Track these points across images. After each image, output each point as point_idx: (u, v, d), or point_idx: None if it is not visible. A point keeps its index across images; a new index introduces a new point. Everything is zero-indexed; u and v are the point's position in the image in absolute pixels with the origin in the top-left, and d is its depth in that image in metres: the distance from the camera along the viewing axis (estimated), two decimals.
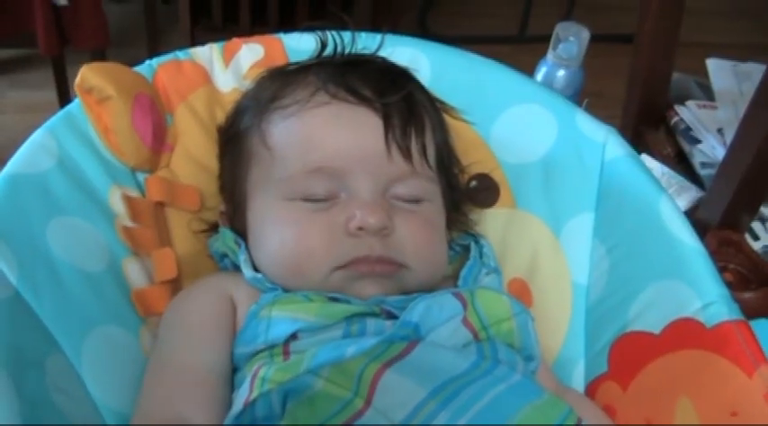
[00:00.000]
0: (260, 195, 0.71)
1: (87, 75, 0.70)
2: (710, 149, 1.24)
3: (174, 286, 0.72)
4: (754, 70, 1.37)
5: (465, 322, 0.66)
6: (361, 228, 0.66)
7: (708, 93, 1.36)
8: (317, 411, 0.59)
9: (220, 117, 0.80)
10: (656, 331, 0.73)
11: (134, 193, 0.74)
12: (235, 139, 0.74)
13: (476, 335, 0.67)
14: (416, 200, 0.71)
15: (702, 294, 0.71)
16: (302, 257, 0.67)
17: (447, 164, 0.76)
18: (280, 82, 0.73)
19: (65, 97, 2.04)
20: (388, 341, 0.62)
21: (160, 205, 0.74)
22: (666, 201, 0.76)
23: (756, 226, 1.15)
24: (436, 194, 0.73)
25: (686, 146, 1.27)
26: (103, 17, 1.88)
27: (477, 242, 0.78)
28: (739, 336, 0.69)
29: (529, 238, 0.81)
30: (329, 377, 0.59)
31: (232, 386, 0.65)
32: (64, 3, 1.76)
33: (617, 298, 0.76)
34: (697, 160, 1.24)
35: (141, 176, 0.75)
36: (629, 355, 0.75)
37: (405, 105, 0.71)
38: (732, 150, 1.10)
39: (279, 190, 0.69)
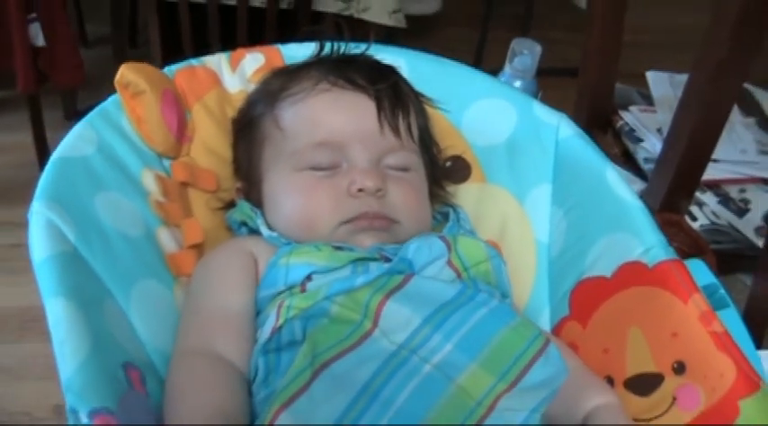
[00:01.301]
0: (274, 169, 0.83)
1: (125, 73, 0.83)
2: (652, 146, 1.38)
3: (200, 251, 0.83)
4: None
5: (449, 263, 0.79)
6: (360, 190, 0.79)
7: (648, 100, 1.51)
8: (333, 332, 0.71)
9: (230, 113, 0.92)
10: (608, 274, 0.86)
11: (154, 174, 0.85)
12: (249, 126, 0.87)
13: (459, 275, 0.79)
14: (404, 169, 0.84)
15: (644, 241, 0.84)
16: (313, 215, 0.80)
17: (427, 143, 0.90)
18: (286, 76, 0.86)
19: (40, 138, 2.07)
20: (389, 274, 0.74)
21: (184, 185, 0.86)
22: (611, 169, 0.90)
23: (694, 209, 1.30)
24: (420, 165, 0.86)
25: (630, 146, 1.41)
26: (79, 56, 1.95)
27: (454, 210, 0.91)
28: (676, 272, 0.82)
29: (498, 207, 0.94)
30: (343, 303, 0.71)
31: (256, 326, 0.77)
32: (42, 43, 1.84)
33: (574, 251, 0.89)
34: (640, 156, 1.38)
35: (166, 162, 0.87)
36: (586, 298, 0.88)
37: (392, 92, 0.85)
38: (667, 145, 1.25)
39: (290, 162, 0.82)
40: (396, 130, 0.84)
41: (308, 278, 0.75)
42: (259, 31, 2.00)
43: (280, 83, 0.86)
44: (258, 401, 0.71)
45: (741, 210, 1.31)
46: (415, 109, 0.87)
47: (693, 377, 0.78)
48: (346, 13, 2.07)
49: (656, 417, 0.79)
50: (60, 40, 1.86)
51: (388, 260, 0.78)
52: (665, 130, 1.41)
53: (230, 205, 0.89)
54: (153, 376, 0.71)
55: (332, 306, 0.71)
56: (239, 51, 0.95)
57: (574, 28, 1.42)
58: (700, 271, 0.84)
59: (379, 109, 0.83)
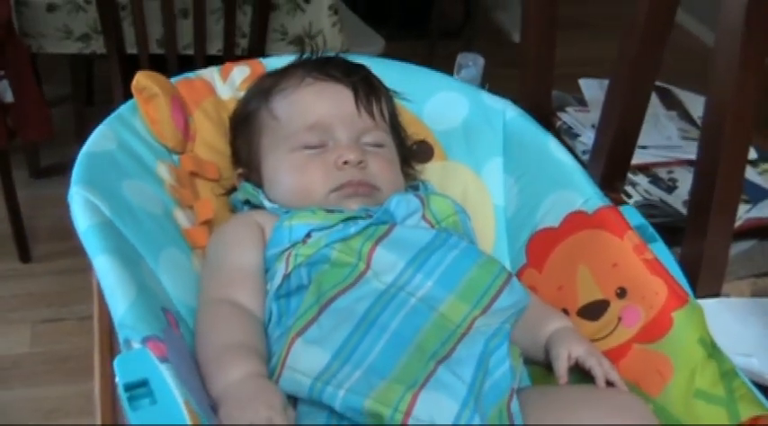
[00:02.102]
0: (272, 152, 0.98)
1: (140, 79, 0.97)
2: (588, 140, 1.54)
3: (209, 228, 0.96)
4: None
5: (424, 217, 0.94)
6: (346, 162, 0.94)
7: (581, 103, 1.69)
8: (334, 274, 0.84)
9: (225, 116, 1.06)
10: (556, 225, 1.01)
11: (168, 166, 0.99)
12: (247, 120, 1.01)
13: (432, 227, 0.94)
14: (379, 145, 0.99)
15: (583, 194, 0.99)
16: (308, 185, 0.94)
17: (396, 126, 1.05)
18: (275, 77, 1.02)
19: (11, 194, 2.03)
20: (375, 224, 0.89)
21: (192, 175, 1.00)
22: (552, 140, 1.06)
23: (629, 188, 1.46)
24: (391, 143, 1.01)
25: (569, 141, 1.57)
26: (47, 111, 1.95)
27: (423, 184, 1.06)
28: (611, 215, 0.97)
29: (459, 179, 1.10)
30: (340, 249, 0.85)
31: (266, 280, 0.90)
32: (10, 100, 1.84)
33: (526, 210, 1.04)
34: (579, 150, 1.54)
35: (175, 156, 1.01)
36: (540, 247, 1.02)
37: (365, 82, 1.01)
38: (598, 136, 1.40)
39: (285, 145, 0.96)
40: (370, 113, 0.99)
41: (308, 235, 0.89)
42: None
43: (270, 82, 1.01)
44: (273, 340, 0.84)
45: (670, 188, 1.47)
46: (384, 97, 1.03)
47: (634, 299, 0.92)
48: None
49: (605, 336, 0.94)
50: (29, 96, 1.87)
51: (370, 217, 0.92)
52: None
53: (230, 191, 1.03)
54: (183, 323, 0.84)
55: (332, 253, 0.85)
56: (227, 65, 1.10)
57: (511, 63, 1.56)
58: (631, 214, 0.99)
59: (356, 96, 0.99)
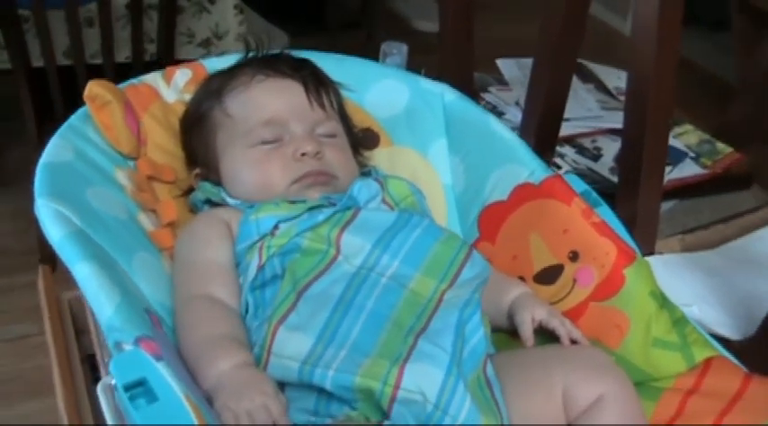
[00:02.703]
0: (230, 149, 0.99)
1: (93, 88, 0.97)
2: (513, 117, 1.60)
3: (173, 229, 0.98)
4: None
5: (384, 201, 0.97)
6: (303, 154, 0.96)
7: (502, 82, 1.74)
8: (306, 262, 0.87)
9: (172, 119, 1.07)
10: (505, 198, 1.05)
11: (127, 172, 0.99)
12: (200, 121, 1.02)
13: (392, 209, 0.97)
14: (332, 135, 1.01)
15: (528, 166, 1.04)
16: (269, 179, 0.96)
17: (344, 116, 1.07)
18: (223, 77, 1.03)
19: None
20: (342, 210, 0.92)
21: (150, 179, 1.01)
22: (492, 117, 1.10)
23: (557, 160, 1.52)
24: (343, 133, 1.04)
25: None
26: None
27: (374, 169, 1.09)
28: (557, 184, 1.02)
29: (407, 162, 1.13)
30: (310, 237, 0.88)
31: (238, 274, 0.92)
32: None
33: (475, 186, 1.08)
34: None
35: (131, 162, 1.01)
36: (491, 220, 1.06)
37: (314, 76, 1.03)
38: (527, 113, 1.45)
39: (243, 141, 0.98)
40: (322, 105, 1.02)
41: (276, 227, 0.91)
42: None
43: (220, 82, 1.03)
44: (252, 331, 0.85)
45: (595, 156, 1.55)
46: (332, 89, 1.06)
47: (586, 261, 0.98)
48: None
49: (563, 298, 0.98)
50: None
51: (334, 205, 0.95)
52: (522, 102, 1.64)
53: (186, 192, 1.04)
54: (164, 323, 0.85)
55: (303, 241, 0.87)
56: (170, 69, 1.10)
57: (415, 50, 1.59)
58: (575, 182, 1.04)
59: (307, 90, 1.01)
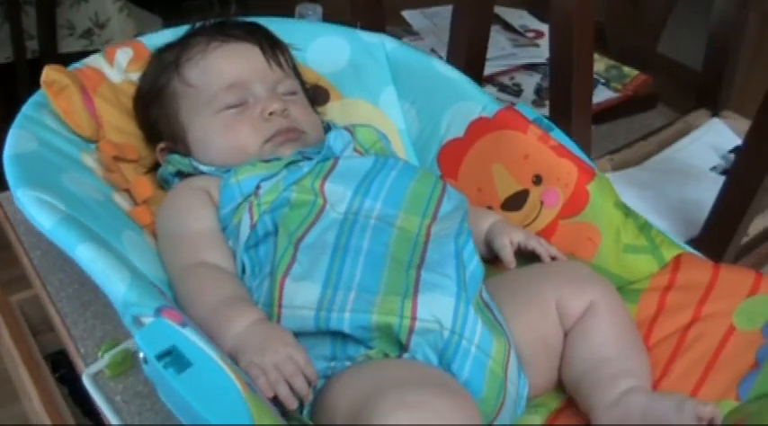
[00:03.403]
0: (196, 119, 0.98)
1: (49, 72, 0.94)
2: None
3: (149, 206, 0.97)
4: (439, 9, 1.81)
5: (355, 149, 0.99)
6: (271, 113, 0.96)
7: (412, 33, 1.77)
8: (296, 215, 0.87)
9: (123, 99, 1.05)
10: (461, 134, 1.08)
11: (94, 155, 0.98)
12: (159, 95, 1.01)
13: (362, 155, 0.99)
14: (293, 93, 1.02)
15: (479, 102, 1.07)
16: (241, 142, 0.96)
17: (298, 74, 1.08)
18: (176, 48, 1.02)
19: None
20: (322, 160, 0.93)
21: (115, 159, 0.99)
22: (435, 60, 1.13)
23: None
24: (300, 90, 1.05)
25: None
26: None
27: (332, 124, 1.10)
28: (511, 114, 1.05)
29: (360, 113, 1.14)
30: (297, 190, 0.89)
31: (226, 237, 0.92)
32: None
33: (429, 128, 1.11)
34: None
35: (92, 145, 0.99)
36: (450, 157, 1.09)
37: (266, 37, 1.03)
38: (451, 58, 1.48)
39: (208, 109, 0.97)
40: (279, 65, 1.02)
41: (258, 187, 0.91)
42: (12, 84, 1.97)
43: (173, 54, 1.01)
44: (253, 290, 0.86)
45: (517, 92, 1.60)
46: (285, 48, 1.06)
47: (549, 182, 1.02)
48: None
49: (532, 221, 1.02)
50: None
51: (309, 159, 0.96)
52: (438, 50, 1.68)
53: (152, 168, 1.03)
54: (165, 295, 0.85)
55: (291, 194, 0.88)
56: (110, 49, 1.08)
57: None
58: (526, 111, 1.07)
59: (263, 51, 1.02)
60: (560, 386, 0.91)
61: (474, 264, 0.87)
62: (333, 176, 0.92)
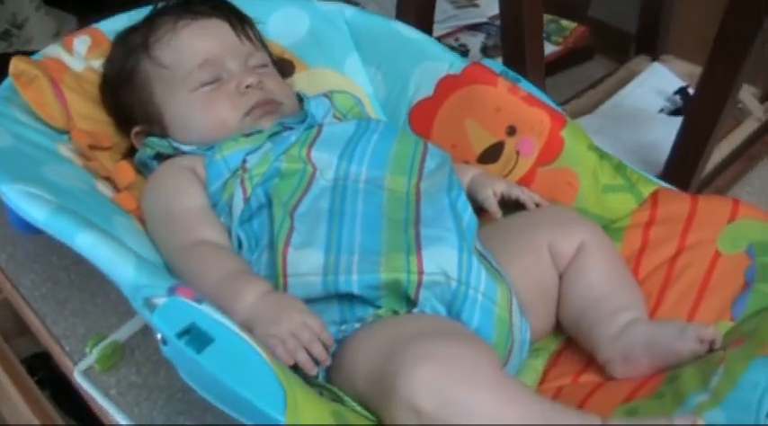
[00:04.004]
0: (172, 99, 0.96)
1: (17, 64, 0.91)
2: None
3: (132, 192, 0.95)
4: None
5: (334, 115, 0.99)
6: (248, 86, 0.95)
7: (355, 3, 1.77)
8: (288, 185, 0.87)
9: (87, 87, 1.02)
10: (431, 93, 1.08)
11: (70, 145, 0.95)
12: (130, 79, 0.99)
13: (340, 121, 0.99)
14: (265, 65, 1.01)
15: (445, 60, 1.07)
16: (221, 118, 0.94)
17: (265, 46, 1.07)
18: (142, 31, 1.00)
19: None
20: (307, 128, 0.93)
21: (91, 148, 0.96)
22: (396, 22, 1.13)
23: None
24: (270, 62, 1.04)
25: None
26: None
27: (302, 94, 1.09)
28: (478, 70, 1.06)
29: (327, 82, 1.13)
30: (286, 159, 0.88)
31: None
32: None
33: (397, 90, 1.11)
34: None
35: (65, 136, 0.97)
36: (422, 116, 1.09)
37: (233, 12, 1.02)
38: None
39: (183, 87, 0.96)
40: (249, 38, 1.01)
41: (244, 161, 0.90)
42: None
43: (140, 36, 0.99)
44: (252, 264, 0.85)
45: (464, 53, 1.61)
46: (250, 22, 1.05)
47: (523, 132, 1.03)
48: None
49: (510, 171, 1.04)
50: None
51: (291, 129, 0.95)
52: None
53: (127, 154, 1.00)
54: None
55: (281, 165, 0.88)
56: (67, 38, 1.04)
57: None
58: (493, 65, 1.08)
59: (232, 26, 1.00)
60: (557, 329, 0.93)
61: (468, 215, 0.88)
62: (318, 143, 0.91)
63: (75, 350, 1.09)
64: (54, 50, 1.03)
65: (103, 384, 1.04)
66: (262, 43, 1.05)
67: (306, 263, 0.80)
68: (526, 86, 1.05)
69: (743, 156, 1.40)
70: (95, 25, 1.08)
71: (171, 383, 1.05)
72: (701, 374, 0.76)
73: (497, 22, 1.71)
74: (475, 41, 1.64)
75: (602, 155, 1.01)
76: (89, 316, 1.13)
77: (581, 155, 1.00)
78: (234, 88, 0.95)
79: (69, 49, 1.04)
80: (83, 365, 1.05)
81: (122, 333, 1.09)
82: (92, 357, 1.05)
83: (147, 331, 1.10)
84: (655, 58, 1.62)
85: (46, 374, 1.35)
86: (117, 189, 0.94)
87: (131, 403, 1.02)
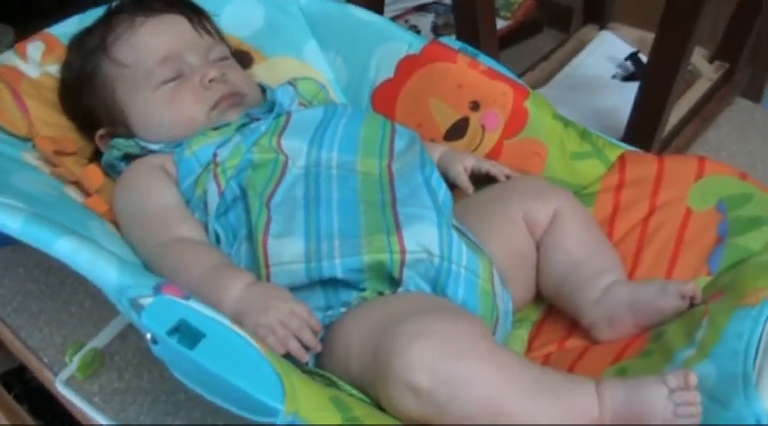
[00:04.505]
0: (135, 98, 0.95)
1: None
2: None
3: (100, 195, 0.93)
4: None
5: (300, 103, 0.98)
6: (211, 80, 0.94)
7: None
8: (261, 175, 0.86)
9: (46, 93, 1.00)
10: (392, 75, 1.08)
11: (34, 153, 0.93)
12: (89, 81, 0.97)
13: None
14: (225, 58, 1.00)
15: (404, 40, 1.07)
16: (187, 114, 0.94)
17: (223, 39, 1.06)
18: (98, 32, 0.98)
19: None
20: (276, 116, 0.92)
21: (56, 154, 0.94)
22: (351, 6, 1.12)
23: None
24: (230, 55, 1.03)
25: None
26: None
27: (264, 85, 1.08)
28: (437, 48, 1.06)
29: (287, 70, 1.12)
30: (258, 150, 0.87)
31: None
32: None
33: (358, 73, 1.11)
34: None
35: (28, 144, 0.94)
36: (384, 98, 1.09)
37: (189, 7, 1.01)
38: None
39: (146, 86, 0.94)
40: (208, 32, 1.01)
41: (215, 154, 0.89)
42: None
43: (96, 38, 0.97)
44: (232, 256, 0.85)
45: (416, 33, 1.61)
46: (208, 15, 1.03)
47: (487, 106, 1.03)
48: None
49: (477, 145, 1.04)
50: None
51: (257, 119, 0.94)
52: None
53: (93, 157, 0.99)
54: None
55: (253, 156, 0.87)
56: (20, 45, 1.02)
57: None
58: (451, 42, 1.08)
59: (190, 20, 0.99)
60: (537, 298, 0.94)
61: (443, 191, 0.88)
62: (287, 132, 0.91)
63: (54, 360, 1.07)
64: (7, 58, 1.01)
65: (86, 392, 1.03)
66: (220, 36, 1.04)
67: (287, 252, 0.80)
68: (486, 60, 1.06)
69: (697, 117, 1.42)
70: (47, 30, 1.05)
71: (154, 385, 1.04)
72: (686, 329, 0.77)
73: (445, 1, 1.71)
74: (425, 22, 1.64)
75: (567, 123, 1.02)
76: (64, 326, 1.12)
77: (546, 125, 1.01)
78: (198, 82, 0.94)
79: (23, 56, 1.02)
80: (64, 375, 1.04)
81: (100, 340, 1.08)
82: (72, 365, 1.04)
83: (124, 336, 1.09)
84: (603, 27, 1.63)
85: (22, 389, 1.32)
86: (86, 193, 0.92)
87: (117, 409, 1.01)
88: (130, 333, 1.08)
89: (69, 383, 1.03)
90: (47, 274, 1.18)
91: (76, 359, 1.04)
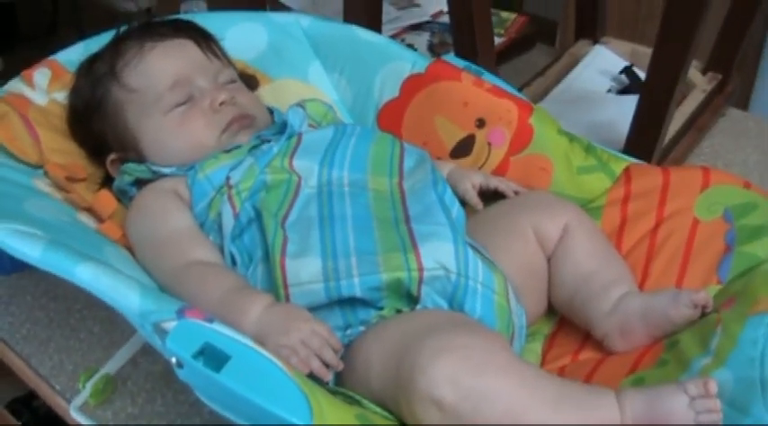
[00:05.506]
0: (146, 123, 0.96)
1: None
2: None
3: (113, 220, 0.94)
4: None
5: (309, 124, 0.99)
6: (221, 103, 0.95)
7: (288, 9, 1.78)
8: (275, 195, 0.87)
9: (54, 120, 1.01)
10: (396, 94, 1.09)
11: (45, 180, 0.94)
12: (99, 107, 0.98)
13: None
14: (234, 81, 1.01)
15: (408, 60, 1.09)
16: (198, 138, 0.95)
17: (231, 62, 1.07)
18: (106, 58, 0.99)
19: None
20: (287, 137, 0.93)
21: (68, 180, 0.95)
22: (355, 27, 1.14)
23: None
24: (238, 78, 1.04)
25: None
26: None
27: (271, 107, 1.09)
28: (441, 66, 1.07)
29: (292, 92, 1.14)
30: (271, 171, 0.89)
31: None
32: None
33: (362, 94, 1.12)
34: None
35: (39, 171, 0.95)
36: (390, 117, 1.10)
37: (196, 31, 1.02)
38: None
39: (157, 110, 0.95)
40: (216, 56, 1.02)
41: (228, 177, 0.90)
42: None
43: (105, 64, 0.98)
44: (248, 278, 0.85)
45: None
46: (215, 39, 1.04)
47: (493, 123, 1.05)
48: None
49: (484, 162, 1.06)
50: None
51: (268, 141, 0.95)
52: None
53: (104, 182, 1.00)
54: None
55: (266, 177, 0.88)
56: (26, 73, 1.03)
57: None
58: (455, 60, 1.10)
59: (198, 44, 1.00)
60: (548, 312, 0.95)
61: (456, 208, 0.89)
62: (299, 152, 0.92)
63: (66, 387, 1.07)
64: (15, 86, 1.02)
65: (101, 418, 1.03)
66: (228, 59, 1.05)
67: (305, 272, 0.81)
68: (490, 78, 1.07)
69: (693, 128, 1.44)
70: (52, 57, 1.06)
71: (168, 409, 1.04)
72: (700, 337, 0.78)
73: (440, 20, 1.74)
74: (421, 41, 1.66)
75: (572, 137, 1.03)
76: (74, 352, 1.12)
77: (551, 140, 1.03)
78: (208, 106, 0.95)
79: (30, 83, 1.02)
80: (77, 401, 1.04)
81: (111, 366, 1.08)
82: (85, 392, 1.04)
83: (136, 361, 1.09)
84: (596, 41, 1.65)
85: (30, 416, 1.33)
86: (99, 219, 0.92)
87: None
88: (142, 358, 1.08)
89: (83, 409, 1.03)
90: (54, 301, 1.18)
91: (89, 386, 1.04)
